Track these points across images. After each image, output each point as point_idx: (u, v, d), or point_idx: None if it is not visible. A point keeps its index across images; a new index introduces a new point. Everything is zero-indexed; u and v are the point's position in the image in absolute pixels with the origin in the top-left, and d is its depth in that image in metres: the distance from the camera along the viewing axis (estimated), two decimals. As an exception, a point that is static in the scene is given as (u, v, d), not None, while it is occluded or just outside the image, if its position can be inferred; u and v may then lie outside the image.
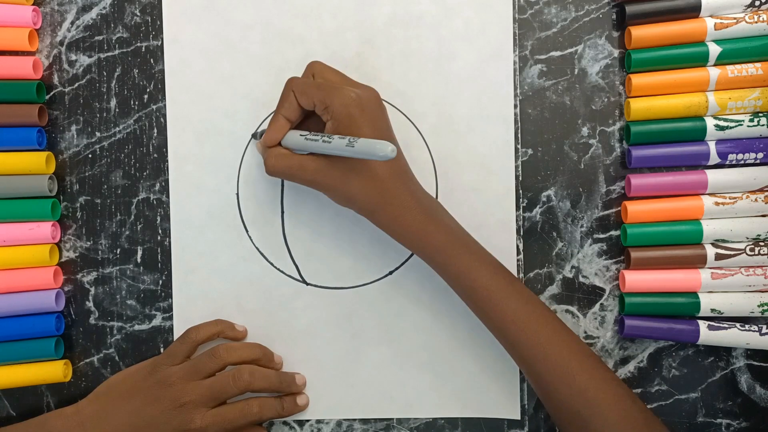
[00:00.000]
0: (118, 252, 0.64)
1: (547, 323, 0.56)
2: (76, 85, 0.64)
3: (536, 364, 0.55)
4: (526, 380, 0.62)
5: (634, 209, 0.61)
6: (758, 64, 0.60)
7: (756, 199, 0.60)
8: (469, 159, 0.63)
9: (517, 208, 0.63)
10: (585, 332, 0.63)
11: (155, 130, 0.64)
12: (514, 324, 0.56)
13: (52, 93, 0.64)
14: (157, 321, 0.64)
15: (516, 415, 0.63)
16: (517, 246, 0.63)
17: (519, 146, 0.63)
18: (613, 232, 0.63)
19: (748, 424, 0.62)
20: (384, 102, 0.62)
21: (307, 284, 0.63)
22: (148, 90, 0.64)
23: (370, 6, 0.63)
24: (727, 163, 0.61)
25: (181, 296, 0.63)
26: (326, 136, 0.54)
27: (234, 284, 0.63)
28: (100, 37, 0.64)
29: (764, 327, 0.60)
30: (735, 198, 0.60)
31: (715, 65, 0.61)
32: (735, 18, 0.60)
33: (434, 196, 0.63)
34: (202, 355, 0.60)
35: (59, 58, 0.64)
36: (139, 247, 0.64)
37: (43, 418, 0.60)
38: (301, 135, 0.56)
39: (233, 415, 0.59)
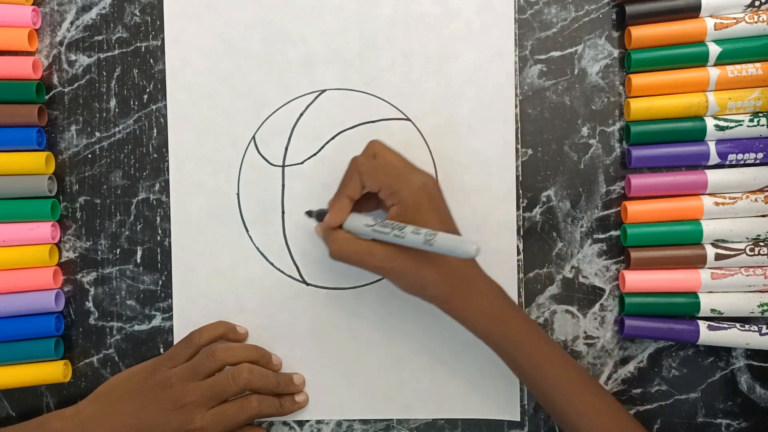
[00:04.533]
0: (117, 252, 0.64)
1: (616, 417, 0.56)
2: (76, 85, 0.64)
3: None
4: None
5: (634, 209, 0.61)
6: (758, 64, 0.60)
7: (756, 199, 0.60)
8: (470, 159, 0.63)
9: (517, 208, 0.63)
10: (585, 332, 0.63)
11: (155, 130, 0.64)
12: (586, 417, 0.56)
13: (51, 93, 0.64)
14: (156, 321, 0.63)
15: (516, 416, 0.63)
16: (517, 246, 0.63)
17: (519, 146, 0.63)
18: (613, 232, 0.63)
19: (748, 424, 0.62)
20: (384, 102, 0.63)
21: (307, 284, 0.63)
22: (147, 90, 0.64)
23: (371, 6, 0.63)
24: (727, 163, 0.61)
25: (181, 296, 0.63)
26: (397, 230, 0.53)
27: (234, 284, 0.63)
28: (100, 37, 0.64)
29: (764, 327, 0.60)
30: (735, 198, 0.60)
31: (715, 65, 0.61)
32: (735, 18, 0.60)
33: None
34: (201, 356, 0.60)
35: (59, 58, 0.64)
36: (138, 248, 0.64)
37: (43, 419, 0.60)
38: (367, 225, 0.55)
39: (232, 411, 0.59)
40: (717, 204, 0.60)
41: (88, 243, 0.64)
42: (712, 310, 0.60)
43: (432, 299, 0.57)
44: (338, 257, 0.56)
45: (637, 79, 0.61)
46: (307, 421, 0.63)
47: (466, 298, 0.56)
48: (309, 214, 0.61)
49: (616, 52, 0.63)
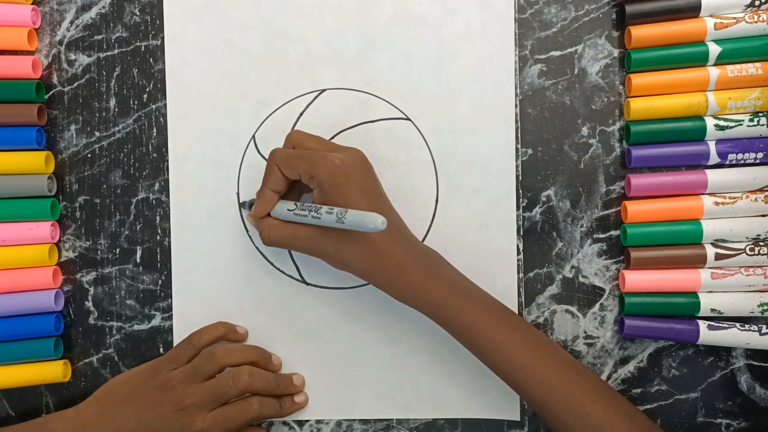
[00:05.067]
0: (117, 252, 0.64)
1: (555, 365, 0.56)
2: (76, 84, 0.64)
3: (549, 407, 0.55)
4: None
5: (634, 209, 0.61)
6: (758, 64, 0.60)
7: (756, 199, 0.60)
8: (470, 159, 0.63)
9: (517, 208, 0.63)
10: (585, 332, 0.63)
11: (154, 130, 0.63)
12: (522, 371, 0.55)
13: (51, 92, 0.64)
14: (156, 321, 0.63)
15: (516, 416, 0.63)
16: (517, 246, 0.63)
17: (519, 146, 0.63)
18: (613, 232, 0.63)
19: (748, 424, 0.62)
20: (384, 102, 0.63)
21: (307, 284, 0.63)
22: (147, 89, 0.64)
23: (371, 6, 0.63)
24: (727, 162, 0.61)
25: (181, 296, 0.63)
26: (314, 211, 0.54)
27: (234, 284, 0.63)
28: (100, 37, 0.64)
29: (764, 327, 0.60)
30: (735, 198, 0.60)
31: (715, 65, 0.61)
32: (735, 18, 0.60)
33: (434, 197, 0.63)
34: (201, 358, 0.60)
35: (58, 57, 0.64)
36: (138, 247, 0.64)
37: (43, 421, 0.60)
38: (289, 210, 0.56)
39: (233, 414, 0.59)
40: (717, 204, 0.60)
41: (88, 243, 0.64)
42: (712, 310, 0.60)
43: (358, 275, 0.57)
44: (269, 243, 0.58)
45: (637, 79, 0.61)
46: (307, 420, 0.63)
47: (388, 272, 0.56)
48: (243, 205, 0.62)
49: (616, 52, 0.63)
